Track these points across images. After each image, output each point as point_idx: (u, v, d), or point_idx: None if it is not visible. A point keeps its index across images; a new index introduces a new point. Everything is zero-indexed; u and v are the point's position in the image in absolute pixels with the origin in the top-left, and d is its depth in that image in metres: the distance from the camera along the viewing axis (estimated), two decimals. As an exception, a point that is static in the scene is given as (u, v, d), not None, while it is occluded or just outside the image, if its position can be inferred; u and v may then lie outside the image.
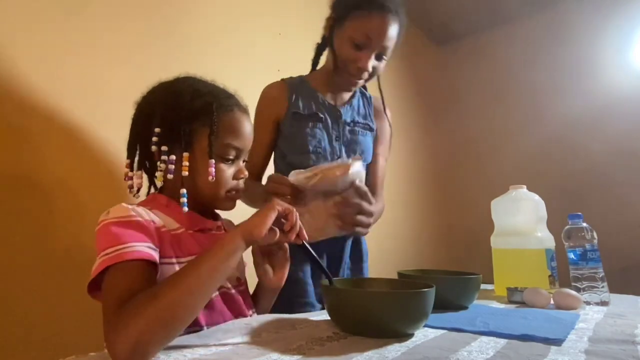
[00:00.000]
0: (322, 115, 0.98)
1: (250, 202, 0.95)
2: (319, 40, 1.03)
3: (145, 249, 0.55)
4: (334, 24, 0.94)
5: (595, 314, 0.76)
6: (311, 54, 1.06)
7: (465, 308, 0.78)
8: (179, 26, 1.25)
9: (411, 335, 0.57)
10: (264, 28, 1.56)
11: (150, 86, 0.71)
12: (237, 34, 1.44)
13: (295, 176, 0.80)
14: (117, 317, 0.46)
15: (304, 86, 1.01)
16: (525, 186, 1.09)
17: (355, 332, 0.57)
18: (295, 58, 1.08)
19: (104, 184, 0.99)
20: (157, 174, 0.66)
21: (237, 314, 0.68)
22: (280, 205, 0.58)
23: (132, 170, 0.69)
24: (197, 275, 0.50)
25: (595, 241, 0.92)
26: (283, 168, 1.00)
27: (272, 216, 0.57)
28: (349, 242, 1.01)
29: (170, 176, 0.64)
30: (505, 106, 2.63)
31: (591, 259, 0.91)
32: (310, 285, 0.93)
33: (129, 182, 0.68)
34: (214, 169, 0.65)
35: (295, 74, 1.06)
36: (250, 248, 0.70)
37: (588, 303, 0.87)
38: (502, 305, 0.86)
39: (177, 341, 0.52)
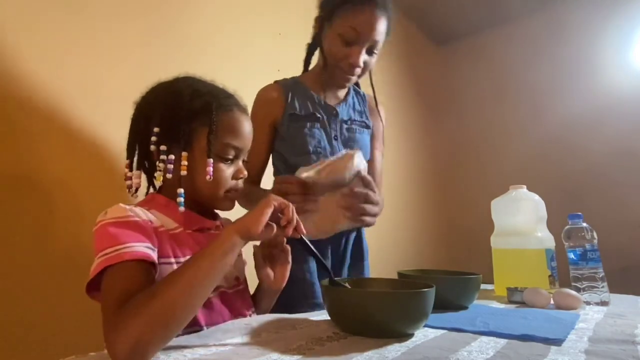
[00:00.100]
0: (319, 115, 0.98)
1: (251, 208, 0.95)
2: None
3: (144, 249, 0.55)
4: (322, 22, 0.94)
5: (595, 314, 0.76)
6: (312, 54, 1.06)
7: (465, 308, 0.78)
8: (179, 26, 1.25)
9: (411, 335, 0.57)
10: (264, 28, 1.56)
11: (149, 86, 0.71)
12: (237, 34, 1.44)
13: (304, 173, 0.80)
14: (117, 317, 0.46)
15: (299, 87, 1.01)
16: (525, 186, 1.09)
17: (355, 332, 0.57)
18: (296, 58, 1.08)
19: (103, 184, 0.99)
20: (156, 173, 0.66)
21: (236, 314, 0.68)
22: (276, 200, 0.58)
23: (131, 170, 0.69)
24: (194, 274, 0.50)
25: (595, 241, 0.92)
26: (284, 171, 0.99)
27: (269, 212, 0.57)
28: (352, 240, 1.01)
29: (169, 176, 0.64)
30: (506, 106, 2.63)
31: (591, 259, 0.91)
32: (317, 285, 0.93)
33: (128, 183, 0.68)
34: (212, 169, 0.65)
35: (295, 74, 1.06)
36: (250, 248, 0.70)
37: (588, 303, 0.87)
38: (502, 305, 0.86)
39: (177, 341, 0.52)
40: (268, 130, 0.99)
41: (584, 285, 0.90)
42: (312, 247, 0.64)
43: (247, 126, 0.71)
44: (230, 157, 0.69)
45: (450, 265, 2.53)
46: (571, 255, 0.93)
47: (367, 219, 0.85)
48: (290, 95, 0.99)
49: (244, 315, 0.70)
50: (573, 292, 0.83)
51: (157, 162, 0.65)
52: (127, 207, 0.60)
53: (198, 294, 0.51)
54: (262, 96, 1.00)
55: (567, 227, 0.96)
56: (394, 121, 2.32)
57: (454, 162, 2.82)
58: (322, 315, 0.71)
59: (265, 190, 0.93)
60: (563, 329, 0.61)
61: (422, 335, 0.58)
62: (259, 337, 0.55)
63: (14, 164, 0.86)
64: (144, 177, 0.72)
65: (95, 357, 0.48)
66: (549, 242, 1.01)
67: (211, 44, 1.33)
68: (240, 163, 0.71)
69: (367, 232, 1.06)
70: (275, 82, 1.03)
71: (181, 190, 0.63)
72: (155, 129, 0.65)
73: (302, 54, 1.06)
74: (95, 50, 1.03)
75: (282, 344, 0.52)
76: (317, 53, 1.02)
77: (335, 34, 0.91)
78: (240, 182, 0.71)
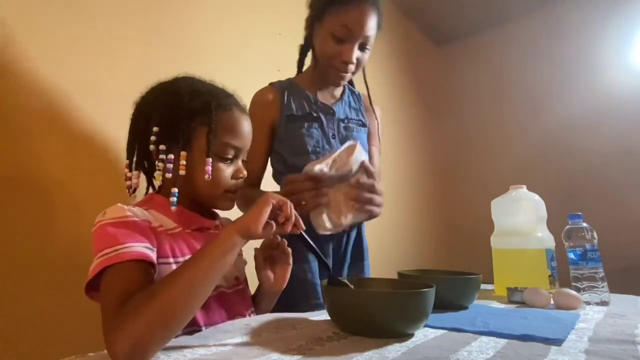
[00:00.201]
0: (316, 115, 0.98)
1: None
2: None
3: (143, 249, 0.55)
4: (313, 22, 0.95)
5: (596, 314, 0.76)
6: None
7: (465, 308, 0.78)
8: (179, 26, 1.25)
9: (411, 335, 0.57)
10: (264, 28, 1.56)
11: (149, 86, 0.71)
12: (237, 34, 1.44)
13: (316, 166, 0.80)
14: (116, 317, 0.46)
15: (294, 88, 1.01)
16: (525, 186, 1.09)
17: (355, 332, 0.57)
18: (296, 58, 1.08)
19: (103, 184, 0.99)
20: (156, 173, 0.65)
21: (236, 314, 0.68)
22: (274, 198, 0.58)
23: (131, 170, 0.69)
24: (194, 274, 0.50)
25: (595, 241, 0.92)
26: (283, 172, 0.99)
27: (267, 210, 0.56)
28: (352, 239, 1.01)
29: (168, 175, 0.64)
30: (506, 106, 2.63)
31: (591, 259, 0.91)
32: (319, 285, 0.92)
33: (128, 183, 0.68)
34: (210, 168, 0.65)
35: (295, 74, 1.06)
36: (251, 248, 0.70)
37: (588, 303, 0.87)
38: (502, 305, 0.86)
39: (177, 341, 0.52)
40: (266, 132, 0.99)
41: (584, 285, 0.89)
42: (312, 243, 0.64)
43: (246, 126, 0.71)
44: (230, 156, 0.69)
45: (450, 265, 2.53)
46: (571, 255, 0.93)
47: (375, 209, 0.85)
48: (285, 96, 0.99)
49: (243, 316, 0.70)
50: (573, 292, 0.83)
51: (157, 162, 0.65)
52: (126, 207, 0.60)
53: (198, 293, 0.50)
54: (258, 99, 1.00)
55: (567, 227, 0.96)
56: (393, 121, 2.32)
57: (454, 162, 2.82)
58: (322, 315, 0.71)
59: (263, 192, 0.93)
60: (563, 329, 0.61)
61: (422, 335, 0.58)
62: (259, 337, 0.55)
63: (13, 164, 0.86)
64: (143, 177, 0.72)
65: (95, 357, 0.48)
66: (549, 242, 1.01)
67: (211, 44, 1.33)
68: (239, 163, 0.71)
69: (367, 232, 1.06)
70: (270, 84, 1.03)
71: (175, 190, 0.63)
72: (155, 129, 0.65)
73: (302, 54, 1.06)
74: (95, 50, 1.03)
75: (282, 344, 0.52)
76: (309, 54, 1.02)
77: (327, 32, 0.91)
78: (239, 182, 0.71)
